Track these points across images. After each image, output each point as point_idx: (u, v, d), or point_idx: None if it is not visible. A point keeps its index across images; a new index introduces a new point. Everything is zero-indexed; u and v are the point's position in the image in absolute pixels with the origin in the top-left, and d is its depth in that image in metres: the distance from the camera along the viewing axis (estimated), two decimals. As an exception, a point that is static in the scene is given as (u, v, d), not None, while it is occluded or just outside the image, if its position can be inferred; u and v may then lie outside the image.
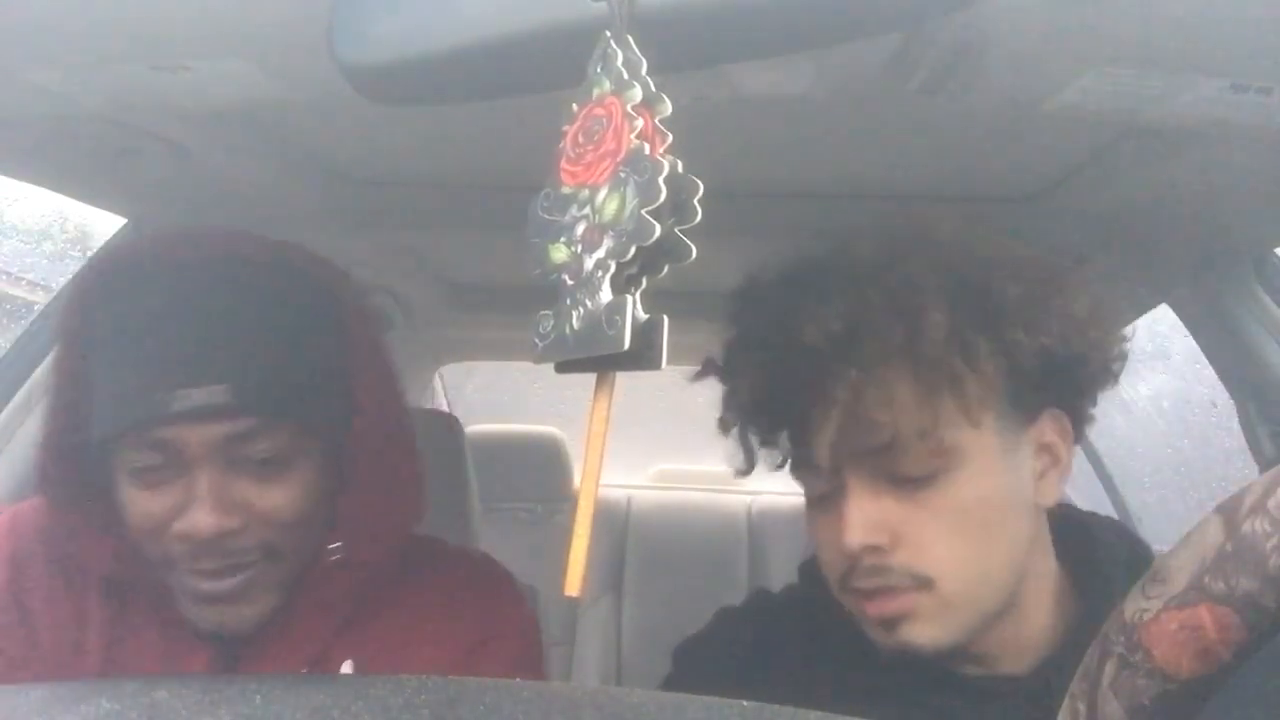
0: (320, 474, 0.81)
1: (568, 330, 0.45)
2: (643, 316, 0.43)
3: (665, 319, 0.43)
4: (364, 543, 0.83)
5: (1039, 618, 0.80)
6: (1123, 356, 0.82)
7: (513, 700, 0.44)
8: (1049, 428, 0.79)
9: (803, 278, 0.80)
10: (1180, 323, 1.40)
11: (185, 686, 0.44)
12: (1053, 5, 0.66)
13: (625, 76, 0.46)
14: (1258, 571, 0.39)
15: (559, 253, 0.46)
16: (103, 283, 0.80)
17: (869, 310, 0.74)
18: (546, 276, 0.47)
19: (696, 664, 0.91)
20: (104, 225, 1.36)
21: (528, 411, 2.80)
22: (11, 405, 1.26)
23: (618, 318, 0.43)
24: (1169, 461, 2.29)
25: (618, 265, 0.44)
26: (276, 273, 0.81)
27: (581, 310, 0.44)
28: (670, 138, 0.45)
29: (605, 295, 0.44)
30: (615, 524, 2.62)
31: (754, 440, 0.83)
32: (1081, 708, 0.43)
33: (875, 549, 0.75)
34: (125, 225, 1.29)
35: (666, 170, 0.43)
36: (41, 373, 1.23)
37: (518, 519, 2.51)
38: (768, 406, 0.79)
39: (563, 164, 0.47)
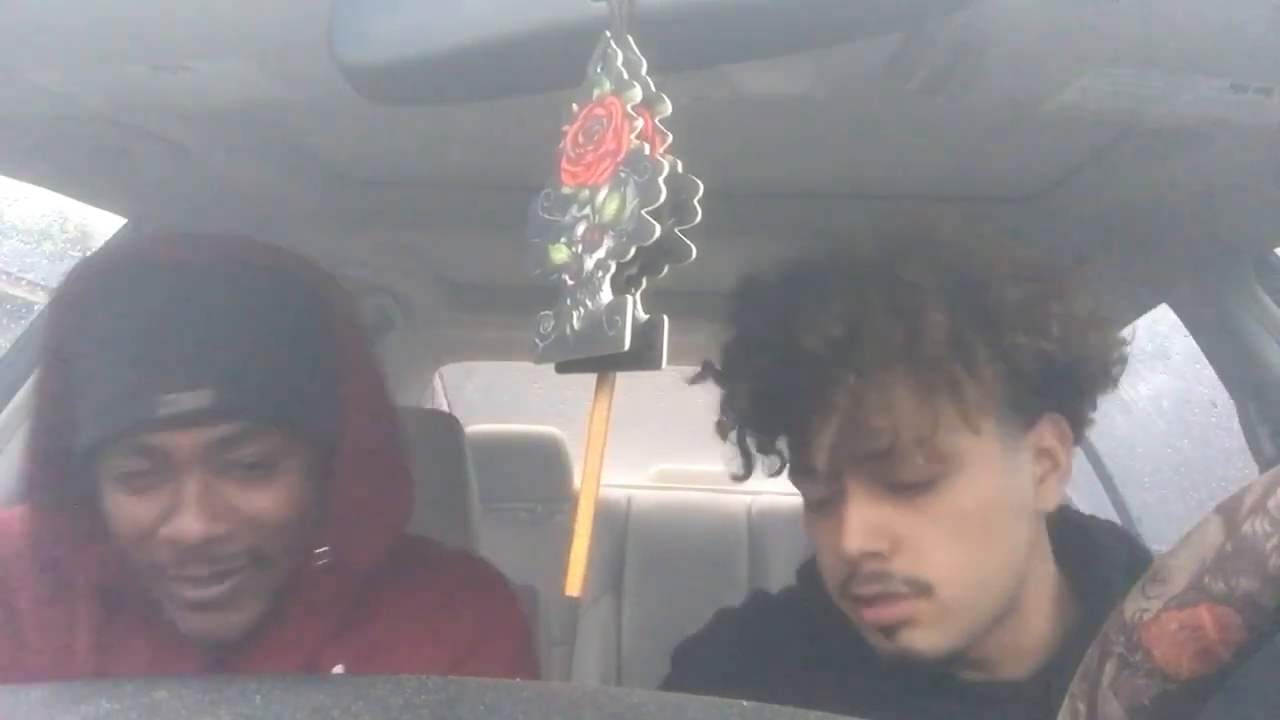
0: (308, 479, 0.80)
1: (568, 330, 0.45)
2: (643, 317, 0.43)
3: (665, 319, 0.43)
4: (352, 547, 0.82)
5: (1038, 622, 0.80)
6: (1122, 360, 0.81)
7: (513, 700, 0.44)
8: (1048, 432, 0.79)
9: (802, 280, 0.79)
10: (1180, 323, 1.40)
11: (185, 686, 0.44)
12: (1053, 5, 0.66)
13: (625, 76, 0.46)
14: (1258, 571, 0.39)
15: (559, 253, 0.46)
16: (89, 287, 0.79)
17: (868, 313, 0.73)
18: (547, 276, 0.47)
19: (695, 665, 0.91)
20: (104, 225, 1.36)
21: (528, 411, 2.80)
22: (11, 405, 1.26)
23: (618, 318, 0.43)
24: (1169, 461, 2.29)
25: (618, 265, 0.44)
26: (265, 277, 0.80)
27: (582, 310, 0.44)
28: (670, 138, 0.45)
29: (605, 295, 0.44)
30: (615, 524, 2.62)
31: (752, 445, 0.83)
32: (1081, 708, 0.43)
33: (874, 555, 0.74)
34: (125, 225, 1.29)
35: (666, 170, 0.43)
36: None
37: (518, 519, 2.51)
38: (766, 411, 0.79)
39: (563, 164, 0.47)
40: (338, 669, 0.83)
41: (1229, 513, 0.41)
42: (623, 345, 0.42)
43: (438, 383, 2.80)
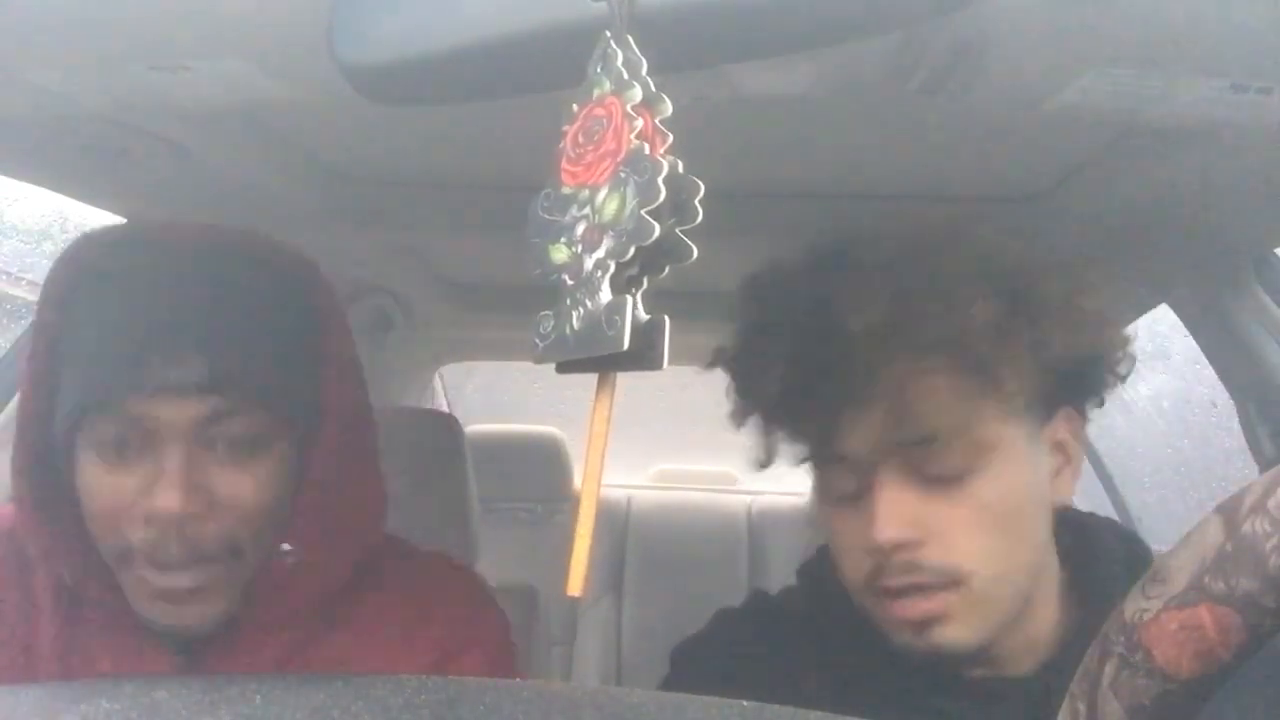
0: (285, 469, 0.80)
1: (568, 330, 0.45)
2: (644, 317, 0.43)
3: (666, 319, 0.43)
4: (321, 549, 0.81)
5: (1045, 618, 0.80)
6: (1131, 358, 0.82)
7: (513, 700, 0.44)
8: (1063, 426, 0.80)
9: (840, 265, 0.78)
10: (1180, 323, 1.40)
11: (185, 686, 0.44)
12: (1053, 5, 0.66)
13: (625, 76, 0.46)
14: (1258, 571, 0.39)
15: (559, 253, 0.46)
16: (85, 262, 0.80)
17: (913, 298, 0.72)
18: (546, 277, 0.47)
19: (694, 665, 0.91)
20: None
21: (528, 411, 2.80)
22: (12, 405, 1.26)
23: (617, 318, 0.43)
24: (1169, 461, 2.29)
25: (617, 265, 0.44)
26: (260, 262, 0.81)
27: (581, 310, 0.44)
28: (670, 138, 0.45)
29: (605, 295, 0.44)
30: (615, 524, 2.62)
31: (775, 433, 0.81)
32: (1081, 708, 0.43)
33: (907, 545, 0.73)
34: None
35: (666, 170, 0.43)
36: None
37: (518, 519, 2.51)
38: (798, 399, 0.77)
39: (563, 164, 0.47)
40: None
41: (1229, 513, 0.41)
42: (622, 345, 0.42)
43: (438, 383, 2.79)
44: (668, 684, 0.90)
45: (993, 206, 1.27)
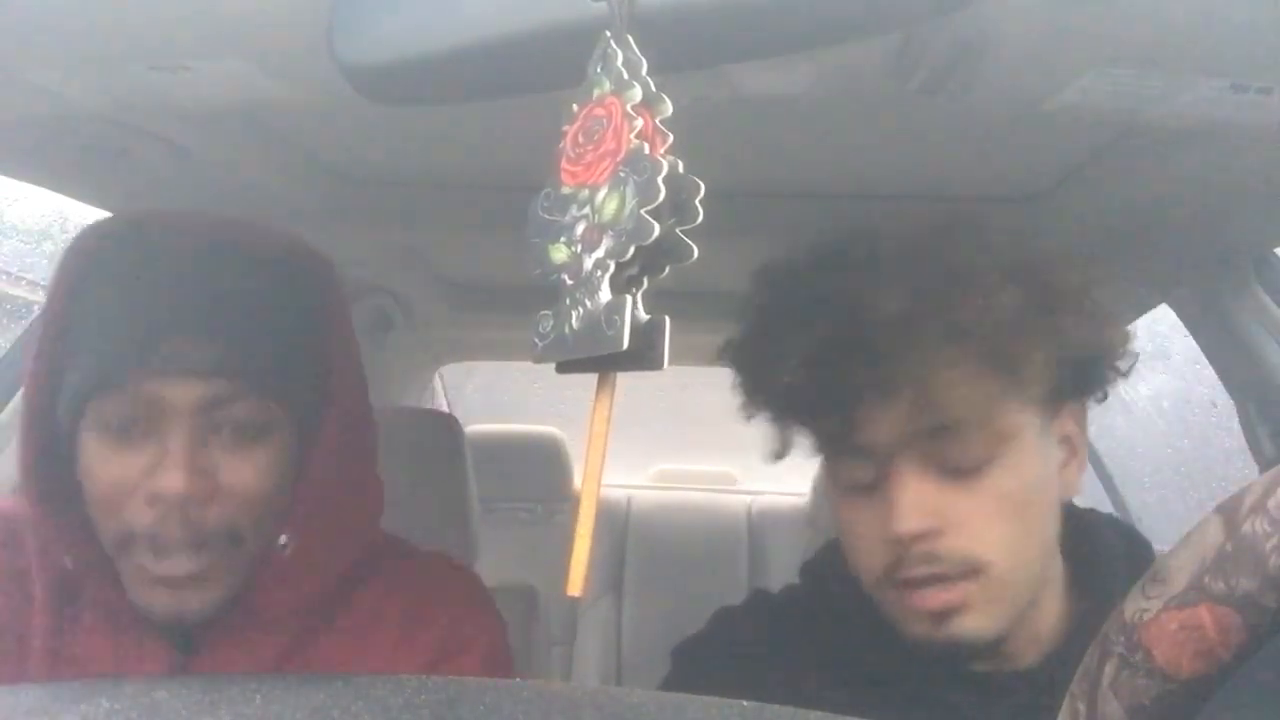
0: (286, 459, 0.81)
1: (567, 330, 0.45)
2: (644, 317, 0.43)
3: (666, 319, 0.43)
4: (317, 541, 0.82)
5: (1050, 611, 0.80)
6: (1133, 353, 0.82)
7: (513, 700, 0.44)
8: (1069, 420, 0.80)
9: (858, 257, 0.78)
10: (1180, 323, 1.40)
11: (185, 686, 0.44)
12: (1053, 5, 0.66)
13: (625, 76, 0.46)
14: (1258, 571, 0.39)
15: (559, 253, 0.46)
16: (97, 246, 0.81)
17: (935, 288, 0.73)
18: (546, 276, 0.47)
19: (695, 664, 0.90)
20: (104, 225, 1.35)
21: (528, 411, 2.80)
22: (12, 405, 1.26)
23: (617, 318, 0.43)
24: (1169, 461, 2.29)
25: (617, 265, 0.44)
26: (273, 253, 0.82)
27: (581, 310, 0.44)
28: (670, 138, 0.45)
29: (604, 295, 0.44)
30: (615, 524, 2.62)
31: (791, 425, 0.81)
32: (1081, 708, 0.43)
33: (927, 535, 0.73)
34: (125, 225, 1.29)
35: (665, 170, 0.43)
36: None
37: (518, 519, 2.51)
38: (818, 389, 0.77)
39: (563, 164, 0.47)
40: None
41: (1229, 513, 0.41)
42: (621, 345, 0.42)
43: (438, 383, 2.79)
44: (669, 683, 0.90)
45: (993, 206, 1.27)
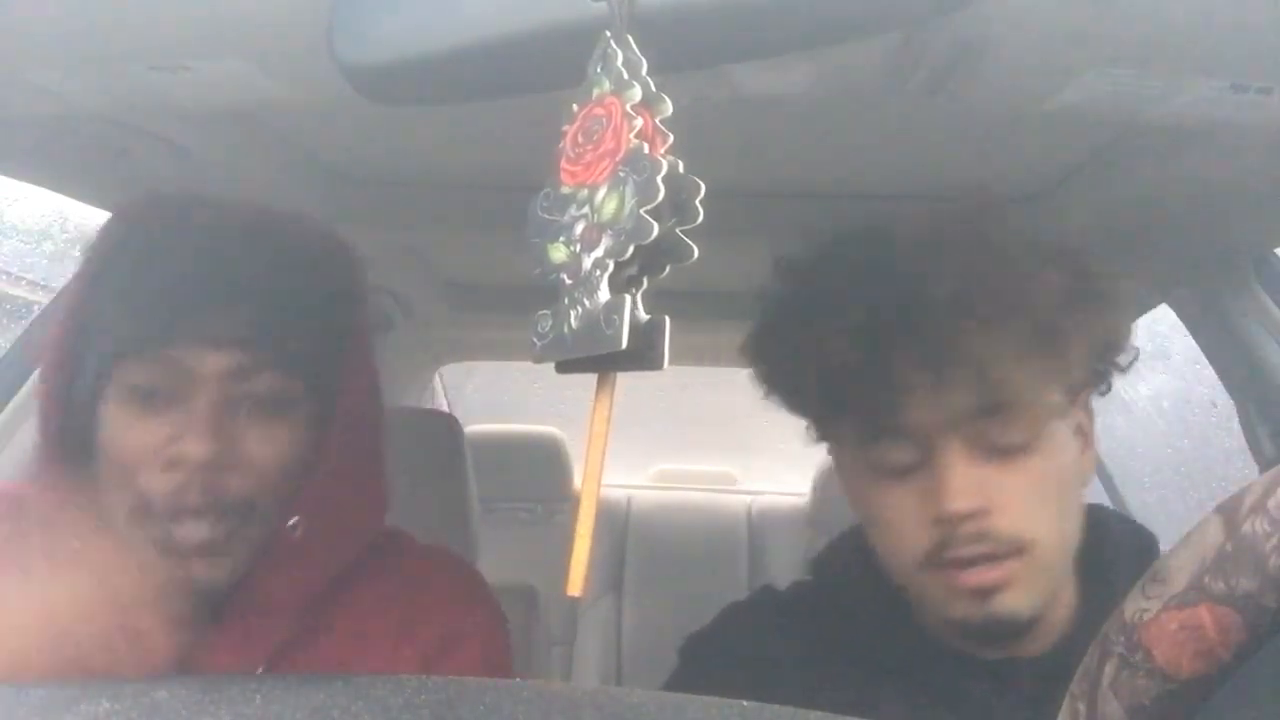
0: (301, 439, 0.82)
1: (566, 330, 0.45)
2: (644, 317, 0.43)
3: (667, 319, 0.43)
4: (325, 526, 0.82)
5: (1065, 601, 0.81)
6: (1135, 349, 0.83)
7: (513, 700, 0.44)
8: (1081, 410, 0.81)
9: (900, 239, 0.79)
10: (1180, 323, 1.40)
11: (185, 687, 0.44)
12: (1053, 5, 0.66)
13: (625, 76, 0.46)
14: (1258, 571, 0.39)
15: (558, 252, 0.46)
16: (141, 214, 0.84)
17: (986, 268, 0.73)
18: (546, 276, 0.47)
19: (705, 659, 0.90)
20: (104, 225, 1.35)
21: (528, 411, 2.80)
22: (12, 405, 1.26)
23: (616, 317, 0.43)
24: (1169, 461, 2.29)
25: (616, 264, 0.44)
26: (305, 238, 0.85)
27: (580, 310, 0.44)
28: (670, 138, 0.45)
29: (603, 295, 0.44)
30: (615, 524, 2.62)
31: (829, 410, 0.81)
32: (1081, 708, 0.43)
33: (976, 514, 0.74)
34: (125, 225, 1.29)
35: (665, 169, 0.43)
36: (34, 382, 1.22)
37: (518, 519, 2.51)
38: (867, 371, 0.76)
39: (562, 164, 0.47)
40: None
41: (1229, 513, 0.41)
42: (620, 344, 0.42)
43: (438, 383, 2.79)
44: (677, 679, 0.89)
45: (993, 206, 1.27)
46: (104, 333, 0.79)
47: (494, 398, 3.11)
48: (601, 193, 0.45)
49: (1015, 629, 0.77)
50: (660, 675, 0.91)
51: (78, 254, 0.86)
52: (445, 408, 2.81)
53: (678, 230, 0.44)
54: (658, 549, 2.58)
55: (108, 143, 1.03)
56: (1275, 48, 0.69)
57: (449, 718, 0.42)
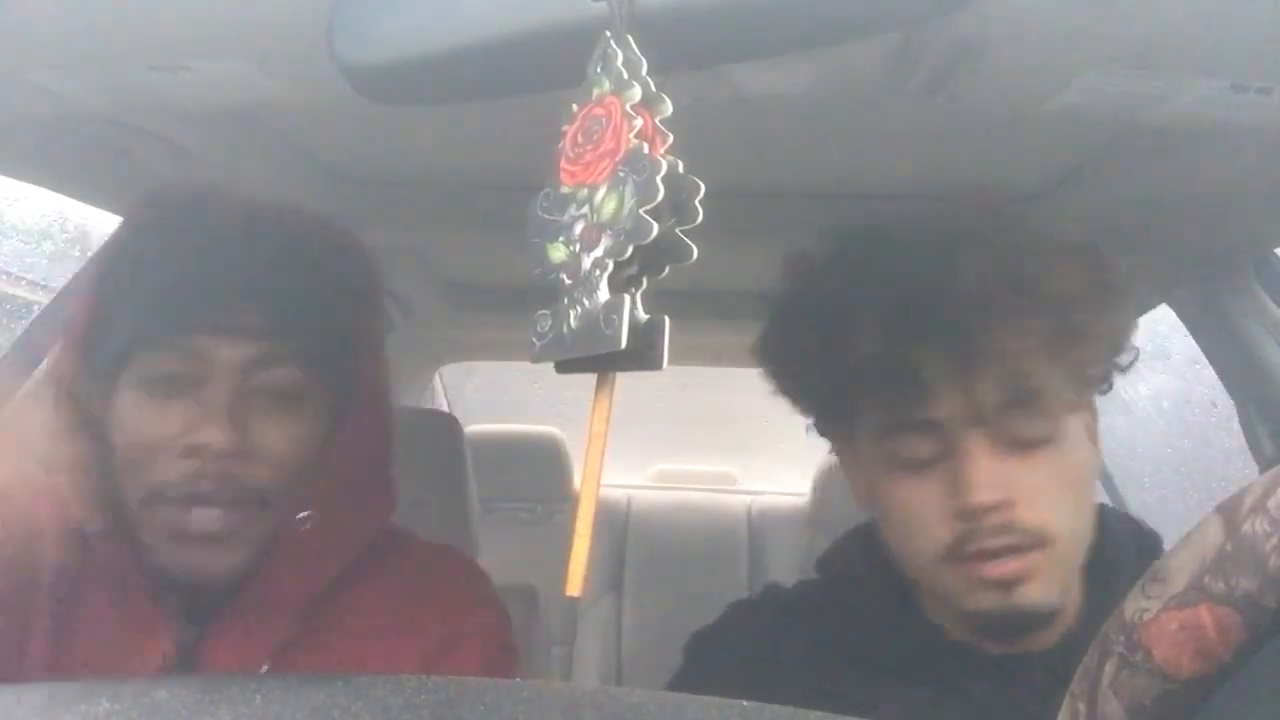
0: (315, 433, 0.83)
1: (565, 330, 0.45)
2: (644, 317, 0.43)
3: (667, 319, 0.43)
4: (334, 522, 0.83)
5: (1073, 594, 0.81)
6: (1135, 349, 0.84)
7: (513, 700, 0.44)
8: (1086, 408, 0.82)
9: (915, 234, 0.79)
10: (1180, 323, 1.40)
11: (185, 686, 0.44)
12: (1053, 5, 0.66)
13: (625, 76, 0.46)
14: (1258, 571, 0.39)
15: (558, 252, 0.46)
16: (165, 203, 0.84)
17: (1009, 262, 0.74)
18: (546, 276, 0.47)
19: (709, 657, 0.90)
20: (104, 225, 1.35)
21: (528, 411, 2.80)
22: (12, 405, 1.26)
23: (615, 317, 0.43)
24: (1169, 461, 2.29)
25: (615, 264, 0.43)
26: (326, 236, 0.87)
27: (579, 309, 0.44)
28: (670, 138, 0.45)
29: (603, 294, 0.44)
30: (615, 524, 2.62)
31: (849, 403, 0.82)
32: (1081, 708, 0.43)
33: (1001, 506, 0.74)
34: (125, 225, 1.28)
35: (665, 169, 0.43)
36: (42, 372, 1.22)
37: (518, 519, 2.51)
38: (894, 363, 0.76)
39: (562, 164, 0.47)
40: None
41: (1229, 513, 0.41)
42: (619, 344, 0.42)
43: (438, 383, 2.79)
44: (682, 676, 0.89)
45: (993, 206, 1.27)
46: (122, 319, 0.79)
47: (494, 398, 3.11)
48: (601, 193, 0.45)
49: (1036, 621, 0.78)
50: (660, 675, 0.91)
51: (78, 254, 0.86)
52: (445, 408, 2.81)
53: (677, 230, 0.44)
54: (658, 549, 2.58)
55: (108, 143, 1.03)
56: (1275, 48, 0.69)
57: (449, 718, 0.42)
